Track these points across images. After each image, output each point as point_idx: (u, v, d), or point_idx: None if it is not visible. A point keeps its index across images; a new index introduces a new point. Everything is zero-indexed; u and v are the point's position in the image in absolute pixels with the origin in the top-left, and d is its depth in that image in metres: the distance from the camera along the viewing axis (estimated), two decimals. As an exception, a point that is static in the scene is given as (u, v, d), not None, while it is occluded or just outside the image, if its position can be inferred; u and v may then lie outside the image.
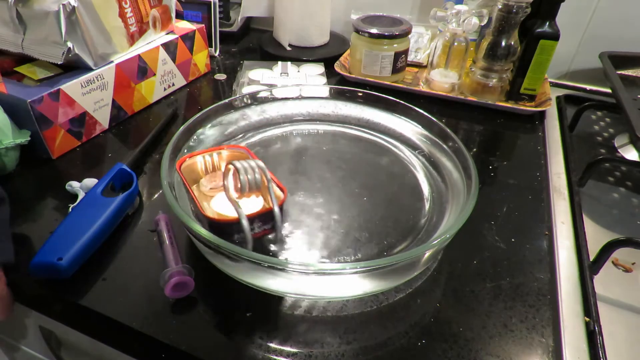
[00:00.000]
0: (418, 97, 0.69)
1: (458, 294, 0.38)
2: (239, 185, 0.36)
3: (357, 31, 0.69)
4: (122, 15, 0.55)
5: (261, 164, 0.37)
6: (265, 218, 0.36)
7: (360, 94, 0.56)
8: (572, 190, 0.50)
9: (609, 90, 0.70)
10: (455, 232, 0.35)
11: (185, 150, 0.46)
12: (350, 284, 0.35)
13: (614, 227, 0.47)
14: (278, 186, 0.39)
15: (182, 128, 0.45)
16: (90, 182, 0.45)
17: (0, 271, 0.36)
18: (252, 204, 0.39)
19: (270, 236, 0.39)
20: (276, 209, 0.36)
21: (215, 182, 0.42)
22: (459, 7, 0.64)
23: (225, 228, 0.35)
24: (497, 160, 0.56)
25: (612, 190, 0.53)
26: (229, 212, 0.37)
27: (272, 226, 0.37)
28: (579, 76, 0.78)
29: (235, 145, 0.44)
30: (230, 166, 0.37)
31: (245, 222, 0.34)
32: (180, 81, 0.69)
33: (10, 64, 0.53)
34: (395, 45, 0.68)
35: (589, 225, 0.46)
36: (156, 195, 0.47)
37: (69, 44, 0.50)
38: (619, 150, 0.60)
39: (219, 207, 0.39)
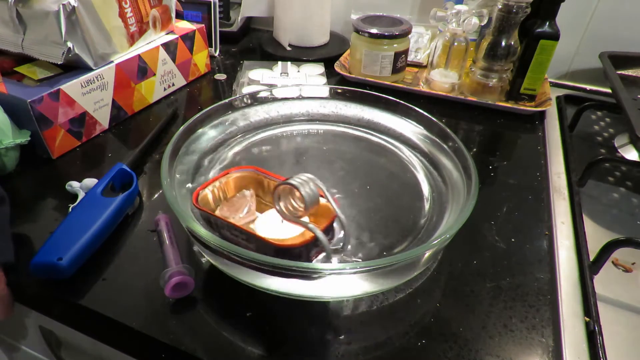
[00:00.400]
0: (418, 97, 0.69)
1: (458, 294, 0.38)
2: (288, 205, 0.35)
3: (357, 31, 0.69)
4: (122, 15, 0.55)
5: (310, 175, 0.35)
6: (328, 229, 0.36)
7: (360, 94, 0.56)
8: (572, 190, 0.50)
9: (609, 90, 0.70)
10: (455, 232, 0.35)
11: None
12: (350, 284, 0.35)
13: (614, 227, 0.47)
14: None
15: (182, 128, 0.44)
16: (90, 182, 0.45)
17: (0, 271, 0.36)
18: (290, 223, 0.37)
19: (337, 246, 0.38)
20: (342, 217, 0.35)
21: (242, 211, 0.39)
22: (459, 7, 0.64)
23: (302, 251, 0.34)
24: (497, 160, 0.56)
25: (612, 190, 0.53)
26: (278, 235, 0.36)
27: (332, 236, 0.37)
28: (579, 76, 0.78)
29: (241, 167, 0.42)
30: (282, 186, 0.34)
31: (323, 237, 0.33)
32: (180, 81, 0.69)
33: (10, 64, 0.53)
34: (395, 45, 0.68)
35: (589, 225, 0.46)
36: (156, 195, 0.47)
37: (69, 44, 0.50)
38: (619, 150, 0.60)
39: (267, 232, 0.36)
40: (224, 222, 0.36)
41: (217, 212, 0.39)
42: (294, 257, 0.33)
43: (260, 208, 0.41)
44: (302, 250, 0.34)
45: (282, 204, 0.35)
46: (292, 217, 0.35)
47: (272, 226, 0.37)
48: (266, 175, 0.41)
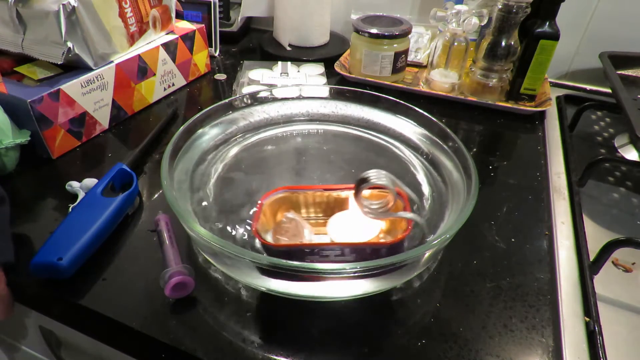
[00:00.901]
0: (418, 97, 0.69)
1: (458, 294, 0.38)
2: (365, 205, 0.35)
3: (357, 31, 0.69)
4: (122, 15, 0.55)
5: (375, 169, 0.35)
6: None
7: (360, 94, 0.56)
8: (572, 190, 0.50)
9: (609, 90, 0.70)
10: (455, 232, 0.35)
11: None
12: (350, 284, 0.35)
13: (614, 227, 0.47)
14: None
15: (182, 128, 0.44)
16: (90, 182, 0.45)
17: (0, 271, 0.36)
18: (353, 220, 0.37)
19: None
20: (413, 195, 0.37)
21: (302, 233, 0.38)
22: (459, 7, 0.64)
23: (402, 243, 0.36)
24: (497, 160, 0.56)
25: (612, 190, 0.53)
26: (358, 238, 0.37)
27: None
28: (579, 76, 0.78)
29: (271, 191, 0.41)
30: (364, 186, 0.35)
31: (422, 220, 0.35)
32: (180, 81, 0.69)
33: (10, 64, 0.53)
34: (395, 45, 0.68)
35: (589, 225, 0.46)
36: (156, 195, 0.47)
37: (69, 44, 0.50)
38: (619, 150, 0.60)
39: (350, 239, 0.37)
40: (313, 248, 0.35)
41: (271, 238, 0.38)
42: (396, 251, 0.33)
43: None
44: (402, 242, 0.35)
45: (367, 202, 0.35)
46: (384, 213, 0.35)
47: (347, 232, 0.38)
48: (298, 191, 0.41)
